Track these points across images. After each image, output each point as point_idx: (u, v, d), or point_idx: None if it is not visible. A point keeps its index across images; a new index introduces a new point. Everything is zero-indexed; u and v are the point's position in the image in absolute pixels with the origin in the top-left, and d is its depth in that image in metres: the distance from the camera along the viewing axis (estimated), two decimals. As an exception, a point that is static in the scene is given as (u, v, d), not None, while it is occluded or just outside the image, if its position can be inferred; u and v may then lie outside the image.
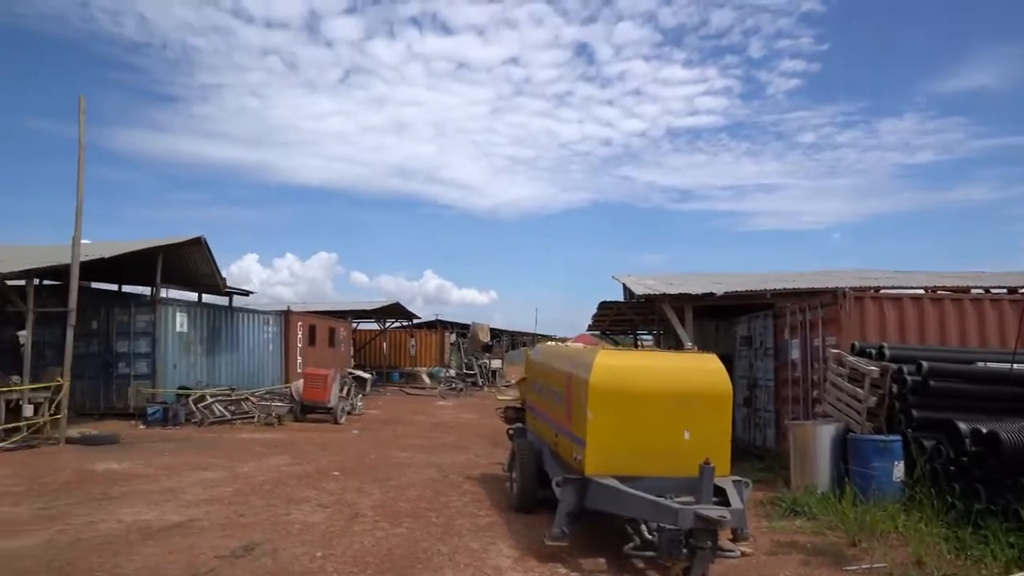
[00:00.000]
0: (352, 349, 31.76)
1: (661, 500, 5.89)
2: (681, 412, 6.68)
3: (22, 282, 14.94)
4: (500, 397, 14.01)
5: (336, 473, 10.98)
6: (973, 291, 12.73)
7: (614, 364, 6.76)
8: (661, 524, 5.79)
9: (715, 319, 17.02)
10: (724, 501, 6.08)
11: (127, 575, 5.92)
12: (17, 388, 14.13)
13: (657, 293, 13.21)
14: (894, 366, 8.84)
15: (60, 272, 15.96)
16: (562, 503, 6.64)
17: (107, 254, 16.16)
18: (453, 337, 40.52)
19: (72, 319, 14.11)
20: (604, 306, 23.22)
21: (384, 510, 8.52)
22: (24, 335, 14.39)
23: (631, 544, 6.21)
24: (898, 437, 8.50)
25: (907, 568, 6.30)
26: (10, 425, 13.55)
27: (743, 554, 6.39)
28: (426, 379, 34.70)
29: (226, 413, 18.42)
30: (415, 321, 39.50)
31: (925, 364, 8.53)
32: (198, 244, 19.08)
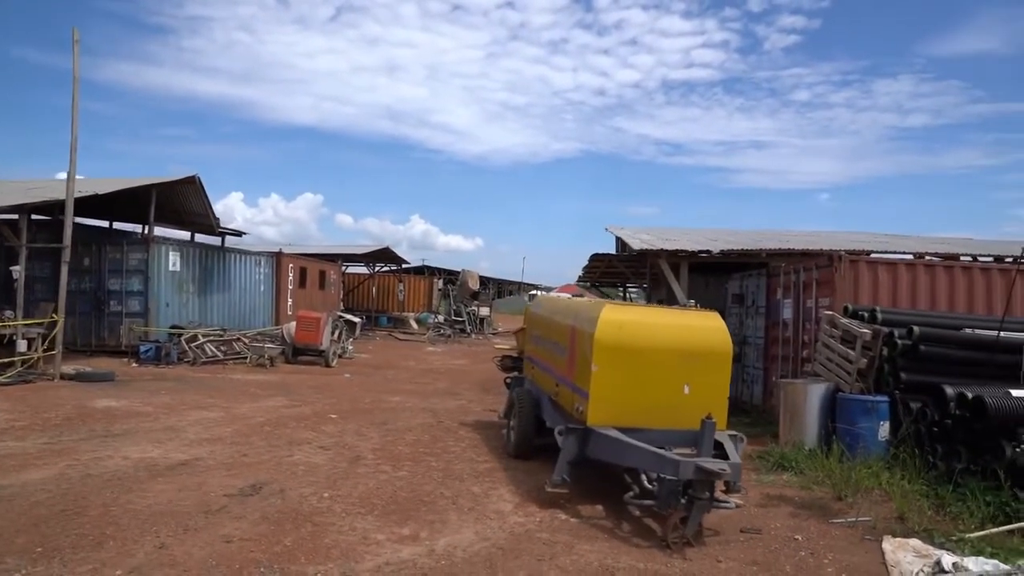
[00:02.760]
0: (342, 292, 31.82)
1: (663, 452, 6.11)
2: (682, 367, 6.86)
3: (14, 216, 14.83)
4: (498, 346, 14.20)
5: (333, 416, 11.18)
6: (962, 258, 12.97)
7: (619, 319, 6.91)
8: (661, 475, 6.01)
9: (705, 275, 17.19)
10: (722, 454, 6.31)
11: (141, 511, 6.07)
12: (11, 324, 14.15)
13: (654, 248, 13.33)
14: (885, 329, 9.06)
15: (51, 207, 15.84)
16: (564, 452, 6.85)
17: (101, 191, 16.01)
18: (440, 283, 40.64)
19: (67, 255, 14.05)
20: (596, 258, 23.36)
21: (384, 453, 8.74)
22: (18, 270, 14.34)
23: (631, 493, 6.45)
24: (885, 398, 8.77)
25: (890, 522, 6.62)
26: (4, 360, 13.59)
27: (736, 506, 6.64)
28: (414, 324, 34.91)
29: (218, 353, 18.56)
30: (404, 266, 39.53)
31: (916, 329, 8.76)
32: (192, 183, 18.92)
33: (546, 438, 8.81)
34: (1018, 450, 6.88)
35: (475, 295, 34.39)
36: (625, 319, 6.98)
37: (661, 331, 6.99)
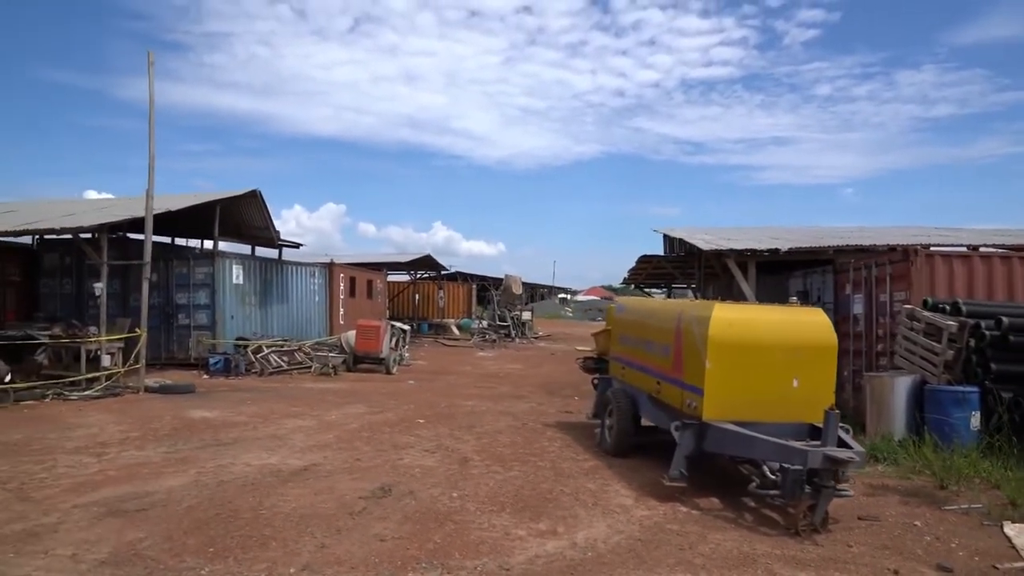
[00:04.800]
0: (387, 300, 32.32)
1: (788, 442, 6.37)
2: (790, 362, 7.13)
3: (89, 235, 15.40)
4: (579, 349, 14.49)
5: (421, 421, 11.54)
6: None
7: (730, 316, 7.19)
8: (786, 465, 6.27)
9: (763, 273, 17.38)
10: (844, 445, 6.55)
11: (289, 513, 6.43)
12: (96, 339, 14.69)
13: (724, 248, 13.57)
14: (971, 321, 9.24)
15: (121, 225, 16.38)
16: (680, 446, 7.14)
17: (173, 207, 16.56)
18: (475, 288, 41.07)
19: (147, 271, 14.58)
20: (643, 259, 23.60)
21: (488, 455, 9.06)
22: (100, 287, 14.87)
23: (754, 483, 6.73)
24: (976, 388, 8.95)
25: (1003, 508, 6.82)
26: (91, 375, 14.12)
27: (848, 495, 6.86)
28: (455, 330, 35.31)
29: (282, 363, 19.03)
30: (442, 273, 39.95)
31: (1005, 320, 8.94)
32: (254, 197, 19.49)
33: (642, 436, 9.15)
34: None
35: (516, 300, 34.74)
36: (735, 317, 7.26)
37: (769, 327, 7.27)
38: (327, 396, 14.48)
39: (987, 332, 9.03)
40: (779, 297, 15.54)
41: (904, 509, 6.99)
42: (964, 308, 9.58)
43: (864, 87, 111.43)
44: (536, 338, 35.11)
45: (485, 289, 40.43)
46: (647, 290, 28.52)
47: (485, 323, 33.39)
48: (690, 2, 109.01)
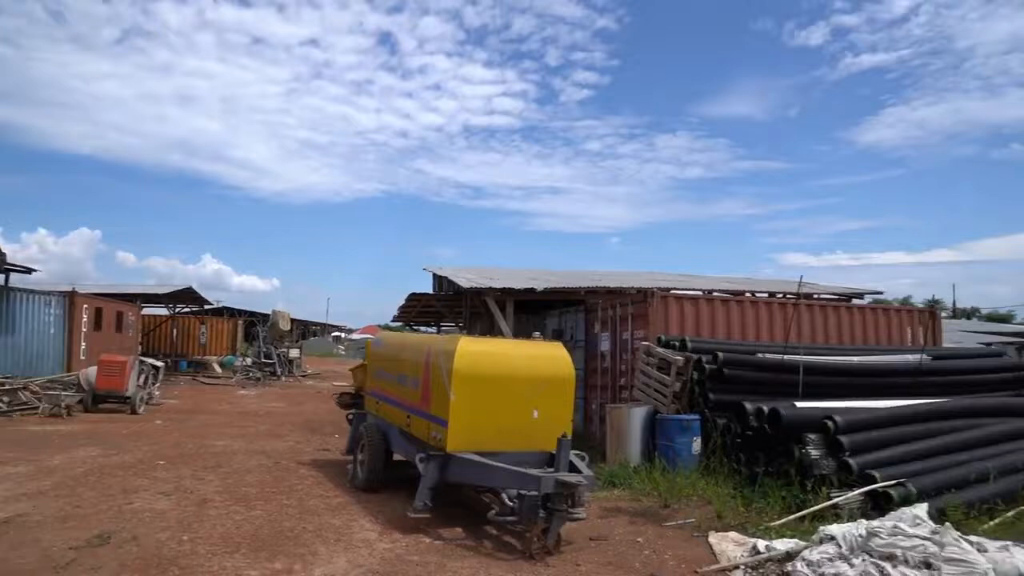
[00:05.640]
0: (139, 335, 29.58)
1: (523, 470, 6.64)
2: (531, 393, 7.49)
3: None
4: (335, 384, 14.11)
5: (161, 462, 10.61)
6: (746, 294, 14.91)
7: (474, 350, 7.43)
8: (522, 491, 6.52)
9: (522, 313, 18.21)
10: (576, 470, 6.95)
11: (-26, 570, 5.61)
12: None
13: (484, 287, 14.03)
14: (695, 356, 10.30)
15: None
16: (425, 478, 7.18)
17: None
18: (242, 324, 38.98)
19: None
20: (413, 297, 23.82)
21: (231, 495, 8.52)
22: None
23: (493, 511, 6.91)
24: (697, 416, 9.95)
25: (711, 521, 7.61)
26: None
27: (582, 518, 7.28)
28: (217, 368, 33.11)
29: (1, 404, 16.67)
30: (206, 307, 37.48)
31: (721, 355, 10.06)
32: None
33: (393, 470, 9.11)
34: (803, 451, 8.17)
35: (284, 336, 33.34)
36: (480, 350, 7.51)
37: (512, 361, 7.60)
38: (54, 439, 12.87)
39: (707, 366, 10.10)
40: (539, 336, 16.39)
41: (631, 528, 7.54)
42: (689, 344, 10.67)
43: (629, 146, 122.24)
44: (304, 376, 33.87)
45: (254, 325, 38.44)
46: (417, 328, 28.74)
47: (250, 360, 31.63)
48: (475, 52, 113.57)
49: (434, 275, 21.82)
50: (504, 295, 14.31)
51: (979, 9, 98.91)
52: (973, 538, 6.04)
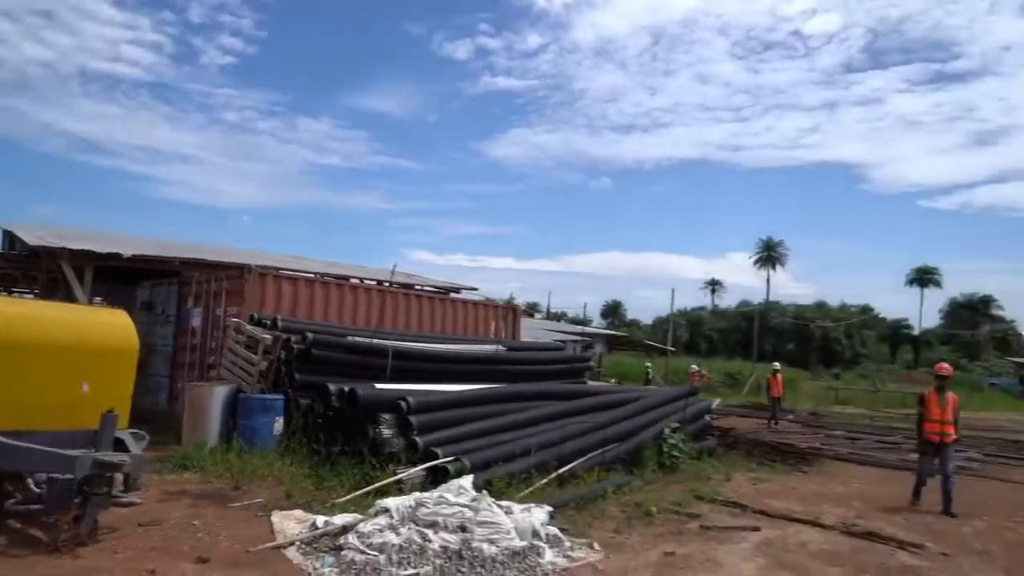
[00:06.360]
0: None
1: (56, 450, 5.86)
2: (81, 364, 6.68)
3: None
4: None
5: None
6: (352, 280, 15.20)
7: (7, 312, 6.38)
8: (53, 474, 5.75)
9: (113, 282, 16.35)
10: (123, 450, 6.34)
11: None
12: None
13: (56, 247, 12.19)
14: (285, 335, 10.17)
15: None
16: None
17: None
18: None
19: None
20: (-26, 256, 19.91)
21: None
22: None
23: (13, 500, 5.98)
24: (281, 396, 9.83)
25: (279, 500, 7.57)
26: None
27: (136, 503, 6.68)
28: None
29: None
30: None
31: (310, 335, 10.07)
32: None
33: None
34: (377, 431, 8.54)
35: None
36: (13, 312, 6.47)
37: (55, 326, 6.71)
38: None
39: (295, 346, 10.04)
40: (128, 308, 14.79)
41: (191, 511, 7.13)
42: (280, 324, 10.50)
43: (269, 123, 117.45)
44: None
45: None
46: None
47: None
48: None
49: (4, 231, 18.79)
50: (82, 259, 12.62)
51: (591, 59, 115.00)
52: (504, 503, 6.88)
